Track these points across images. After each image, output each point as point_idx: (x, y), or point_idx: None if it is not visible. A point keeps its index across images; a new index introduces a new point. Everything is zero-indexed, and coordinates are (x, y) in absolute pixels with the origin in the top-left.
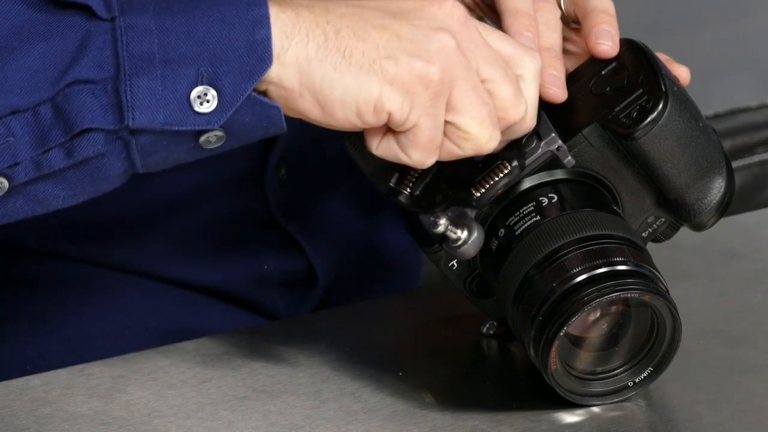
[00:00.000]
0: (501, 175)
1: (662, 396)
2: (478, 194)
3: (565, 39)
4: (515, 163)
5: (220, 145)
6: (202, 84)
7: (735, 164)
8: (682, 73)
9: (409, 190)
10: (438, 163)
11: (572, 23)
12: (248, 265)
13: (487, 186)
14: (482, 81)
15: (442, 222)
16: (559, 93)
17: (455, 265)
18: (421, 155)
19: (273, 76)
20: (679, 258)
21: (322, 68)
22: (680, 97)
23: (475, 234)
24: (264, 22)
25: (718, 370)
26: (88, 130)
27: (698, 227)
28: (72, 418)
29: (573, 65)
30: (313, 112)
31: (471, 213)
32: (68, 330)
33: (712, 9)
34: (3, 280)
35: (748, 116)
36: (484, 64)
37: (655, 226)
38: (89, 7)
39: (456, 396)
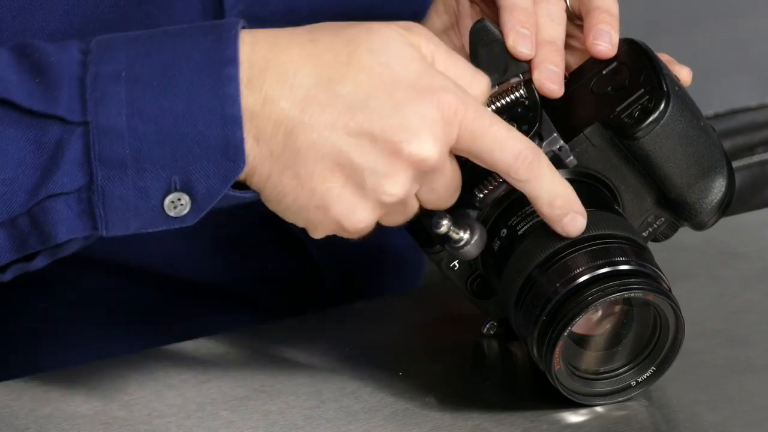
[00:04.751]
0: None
1: (662, 396)
2: (482, 195)
3: (569, 35)
4: None
5: None
6: (175, 191)
7: (735, 164)
8: (683, 74)
9: None
10: None
11: (576, 20)
12: (251, 264)
13: (491, 187)
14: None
15: (445, 223)
16: (554, 89)
17: (456, 265)
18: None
19: (241, 177)
20: (679, 258)
21: (262, 195)
22: (681, 96)
23: (477, 234)
24: (237, 124)
25: (718, 370)
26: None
27: (699, 227)
28: (72, 418)
29: (577, 61)
30: None
31: (473, 213)
32: (68, 330)
33: (712, 9)
34: (4, 281)
35: (748, 116)
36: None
37: (655, 225)
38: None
39: (456, 396)
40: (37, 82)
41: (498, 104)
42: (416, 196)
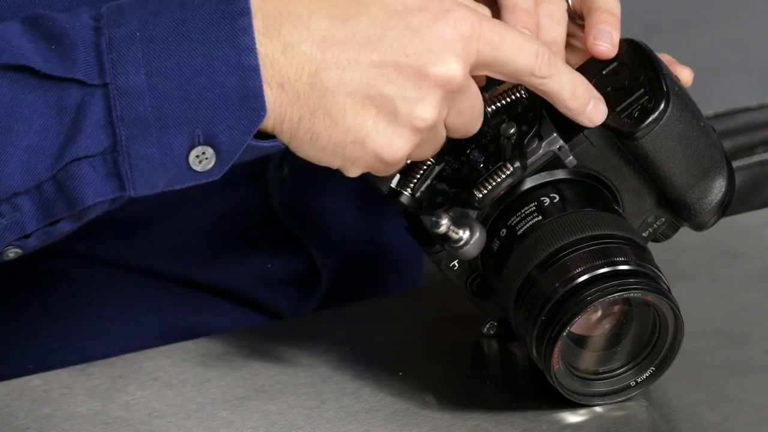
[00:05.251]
0: (503, 176)
1: (662, 396)
2: (481, 195)
3: (570, 35)
4: (517, 164)
5: None
6: (199, 144)
7: (735, 164)
8: (685, 74)
9: (410, 191)
10: (439, 164)
11: (578, 19)
12: (250, 263)
13: (490, 187)
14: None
15: (444, 222)
16: None
17: (456, 265)
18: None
19: (269, 128)
20: (679, 258)
21: (294, 141)
22: (681, 96)
23: (477, 234)
24: (255, 72)
25: (718, 370)
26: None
27: (699, 227)
28: (72, 418)
29: (577, 61)
30: None
31: (473, 213)
32: (69, 329)
33: (712, 9)
34: (4, 278)
35: (748, 116)
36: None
37: (655, 225)
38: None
39: (456, 396)
40: (53, 48)
41: (498, 104)
42: (444, 123)
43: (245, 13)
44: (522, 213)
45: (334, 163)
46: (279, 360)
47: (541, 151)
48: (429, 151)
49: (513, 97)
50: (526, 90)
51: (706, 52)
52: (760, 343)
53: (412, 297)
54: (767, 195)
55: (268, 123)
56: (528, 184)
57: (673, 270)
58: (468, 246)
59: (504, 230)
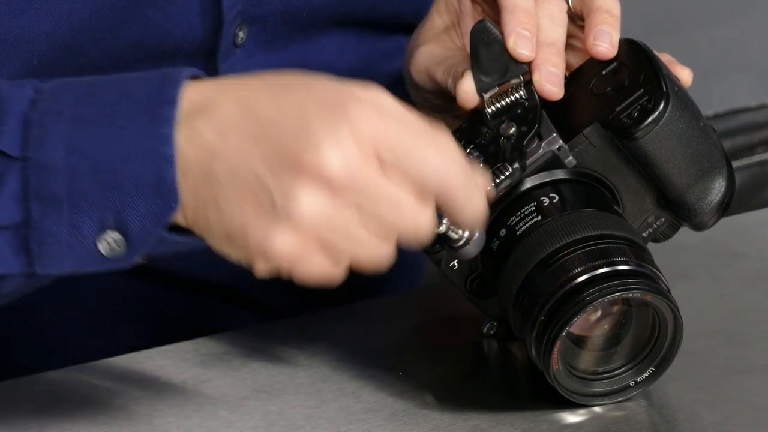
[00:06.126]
0: (502, 177)
1: (662, 396)
2: None
3: (570, 36)
4: (516, 165)
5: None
6: (108, 229)
7: (735, 164)
8: (684, 75)
9: None
10: None
11: (578, 20)
12: None
13: (489, 187)
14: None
15: (444, 222)
16: (554, 91)
17: (456, 265)
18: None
19: (180, 220)
20: (679, 258)
21: (196, 231)
22: (681, 97)
23: (477, 234)
24: (170, 163)
25: (718, 370)
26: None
27: (699, 227)
28: (72, 418)
29: (578, 61)
30: None
31: None
32: (68, 329)
33: (712, 9)
34: None
35: (748, 116)
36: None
37: (655, 225)
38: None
39: (456, 396)
40: None
41: (498, 105)
42: (366, 229)
43: (172, 102)
44: (521, 213)
45: (237, 259)
46: (279, 360)
47: (540, 151)
48: (345, 251)
49: (513, 98)
50: (526, 91)
51: (706, 52)
52: (760, 343)
53: (411, 297)
54: (767, 195)
55: (179, 215)
56: (527, 184)
57: (673, 270)
58: (468, 246)
59: (503, 230)
